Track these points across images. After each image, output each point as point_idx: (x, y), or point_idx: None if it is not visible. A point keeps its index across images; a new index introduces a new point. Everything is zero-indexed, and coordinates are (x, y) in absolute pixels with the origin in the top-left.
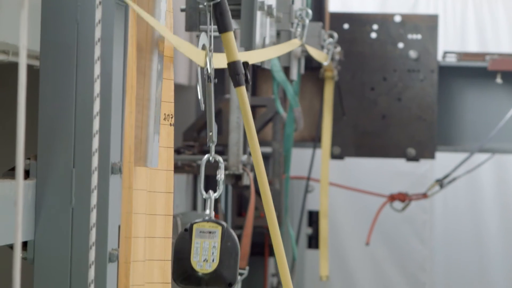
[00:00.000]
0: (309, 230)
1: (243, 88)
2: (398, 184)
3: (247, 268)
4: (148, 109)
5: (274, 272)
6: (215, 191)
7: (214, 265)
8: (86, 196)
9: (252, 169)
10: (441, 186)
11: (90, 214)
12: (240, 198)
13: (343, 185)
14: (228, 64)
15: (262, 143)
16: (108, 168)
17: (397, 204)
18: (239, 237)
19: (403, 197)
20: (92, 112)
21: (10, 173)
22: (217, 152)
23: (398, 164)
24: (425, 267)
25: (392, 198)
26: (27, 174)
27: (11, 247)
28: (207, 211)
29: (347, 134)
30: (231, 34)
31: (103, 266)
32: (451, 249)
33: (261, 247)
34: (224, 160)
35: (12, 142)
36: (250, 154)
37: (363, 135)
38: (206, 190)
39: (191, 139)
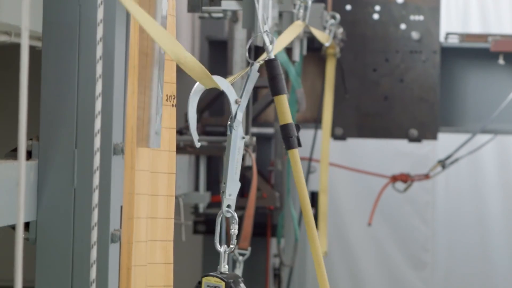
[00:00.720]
0: (312, 211)
1: (296, 151)
2: (400, 165)
3: (249, 249)
4: (150, 90)
5: (276, 252)
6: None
7: None
8: (88, 176)
9: (254, 150)
10: (443, 167)
11: (92, 195)
12: (242, 179)
13: (346, 166)
14: (281, 126)
15: (265, 124)
16: (110, 148)
17: (399, 185)
18: (241, 218)
19: (405, 178)
20: (94, 93)
21: (13, 154)
22: (218, 133)
23: (400, 145)
24: (427, 248)
25: (394, 179)
26: (29, 155)
27: (13, 227)
28: (220, 266)
29: (350, 115)
30: (284, 98)
31: (105, 246)
32: (453, 230)
33: (263, 228)
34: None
35: (14, 123)
36: (252, 135)
37: (365, 116)
38: (209, 170)
39: None
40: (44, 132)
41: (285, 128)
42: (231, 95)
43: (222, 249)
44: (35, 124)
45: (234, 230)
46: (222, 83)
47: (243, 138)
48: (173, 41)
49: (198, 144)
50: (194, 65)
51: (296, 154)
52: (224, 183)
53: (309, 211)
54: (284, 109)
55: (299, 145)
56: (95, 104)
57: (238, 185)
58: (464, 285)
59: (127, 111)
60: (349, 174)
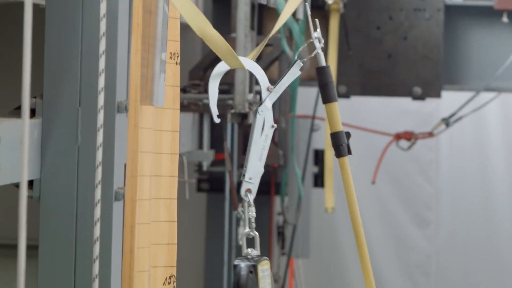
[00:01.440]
0: (315, 169)
1: (346, 158)
2: (404, 123)
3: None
4: (154, 48)
5: (279, 210)
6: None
7: None
8: (92, 134)
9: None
10: (447, 124)
11: (96, 153)
12: (246, 137)
13: (349, 123)
14: (332, 134)
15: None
16: (114, 106)
17: (403, 143)
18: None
19: (409, 136)
20: (98, 50)
21: (16, 112)
22: (222, 91)
23: (404, 103)
24: (431, 206)
25: (398, 136)
26: (33, 113)
27: (17, 185)
28: (250, 250)
29: (353, 73)
30: (335, 105)
31: (109, 204)
32: (457, 188)
33: (267, 186)
34: (230, 99)
35: (18, 81)
36: (256, 92)
37: (369, 74)
38: (213, 128)
39: (197, 78)
40: (48, 90)
41: (335, 136)
42: (263, 81)
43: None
44: (39, 82)
45: (252, 213)
46: (253, 67)
47: (273, 126)
48: (200, 16)
49: (217, 120)
50: (220, 43)
51: (346, 162)
52: (245, 167)
53: (360, 228)
54: (335, 117)
55: (349, 152)
56: (99, 62)
57: (261, 171)
58: (467, 243)
59: (131, 69)
60: (353, 132)
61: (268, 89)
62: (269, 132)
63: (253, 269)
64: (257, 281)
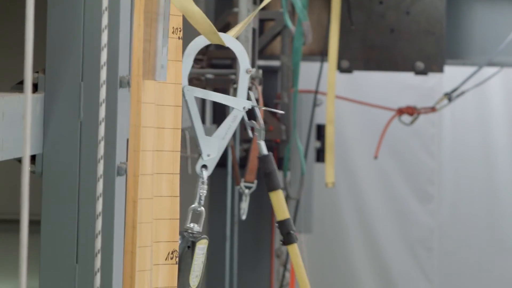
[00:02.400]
0: (318, 144)
1: (296, 245)
2: (406, 98)
3: (255, 181)
4: (156, 23)
5: (282, 185)
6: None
7: (198, 279)
8: (95, 109)
9: (261, 83)
10: (450, 99)
11: (99, 128)
12: (248, 111)
13: (352, 98)
14: (279, 222)
15: (271, 56)
16: (117, 81)
17: (406, 118)
18: (247, 151)
19: (411, 111)
20: (100, 25)
21: (19, 86)
22: (224, 66)
23: (407, 77)
24: (433, 180)
25: (401, 111)
26: (35, 88)
27: (19, 160)
28: (192, 224)
29: (356, 48)
30: (280, 193)
31: (111, 179)
32: (460, 162)
33: None
34: (232, 73)
35: (21, 55)
36: (258, 68)
37: (372, 49)
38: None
39: (200, 53)
40: (50, 65)
41: (283, 224)
42: (243, 61)
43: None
44: (41, 56)
45: (203, 191)
46: (234, 45)
47: (244, 109)
48: None
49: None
50: (200, 19)
51: (296, 248)
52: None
53: None
54: (281, 204)
55: (296, 239)
56: (101, 36)
57: (221, 148)
58: (470, 218)
59: (133, 43)
60: (355, 107)
61: (247, 72)
62: (238, 114)
63: (191, 245)
64: (191, 257)
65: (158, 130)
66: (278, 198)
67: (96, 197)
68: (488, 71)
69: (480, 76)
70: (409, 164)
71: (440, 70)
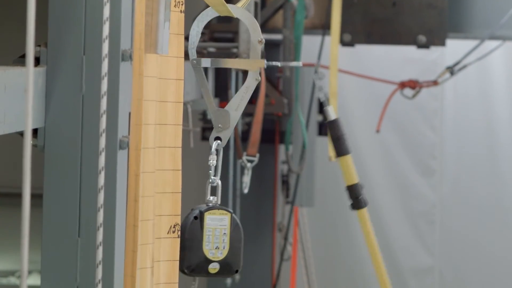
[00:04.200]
0: (320, 117)
1: (365, 210)
2: (408, 71)
3: (258, 155)
4: None
5: (284, 159)
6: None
7: (225, 252)
8: (97, 83)
9: (263, 56)
10: (452, 73)
11: (101, 101)
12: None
13: (354, 72)
14: (348, 187)
15: (273, 30)
16: (119, 55)
17: (408, 91)
18: (249, 124)
19: (413, 84)
20: None
21: (21, 60)
22: (227, 39)
23: (409, 51)
24: (435, 154)
25: (403, 85)
26: (37, 61)
27: (21, 134)
28: (212, 198)
29: (358, 21)
30: (348, 158)
31: (114, 153)
32: (462, 136)
33: (272, 134)
34: (234, 47)
35: (23, 29)
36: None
37: (374, 22)
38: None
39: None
40: (52, 38)
41: (352, 188)
42: (255, 32)
43: (218, 182)
44: (43, 30)
45: (213, 161)
46: (244, 16)
47: (257, 80)
48: None
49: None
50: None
51: (365, 213)
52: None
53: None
54: (350, 169)
55: (366, 204)
56: (103, 9)
57: (235, 119)
58: (472, 192)
59: (135, 17)
60: (357, 81)
61: (259, 42)
62: (251, 84)
63: (199, 216)
64: (201, 228)
65: (160, 104)
66: (347, 163)
67: (98, 170)
68: (490, 44)
69: (482, 50)
70: (411, 137)
71: (442, 43)
